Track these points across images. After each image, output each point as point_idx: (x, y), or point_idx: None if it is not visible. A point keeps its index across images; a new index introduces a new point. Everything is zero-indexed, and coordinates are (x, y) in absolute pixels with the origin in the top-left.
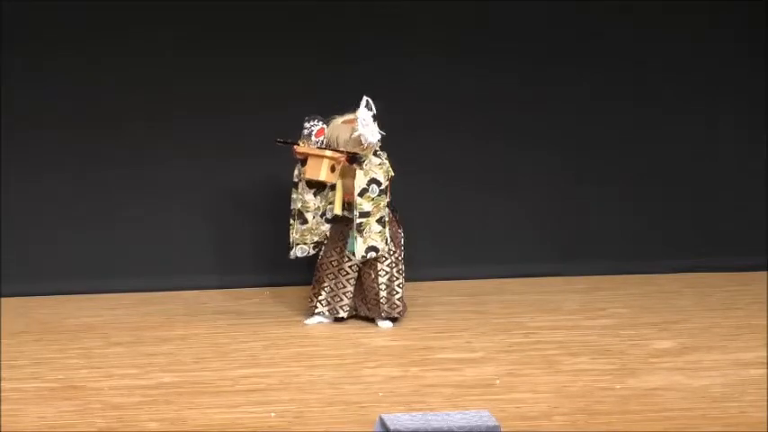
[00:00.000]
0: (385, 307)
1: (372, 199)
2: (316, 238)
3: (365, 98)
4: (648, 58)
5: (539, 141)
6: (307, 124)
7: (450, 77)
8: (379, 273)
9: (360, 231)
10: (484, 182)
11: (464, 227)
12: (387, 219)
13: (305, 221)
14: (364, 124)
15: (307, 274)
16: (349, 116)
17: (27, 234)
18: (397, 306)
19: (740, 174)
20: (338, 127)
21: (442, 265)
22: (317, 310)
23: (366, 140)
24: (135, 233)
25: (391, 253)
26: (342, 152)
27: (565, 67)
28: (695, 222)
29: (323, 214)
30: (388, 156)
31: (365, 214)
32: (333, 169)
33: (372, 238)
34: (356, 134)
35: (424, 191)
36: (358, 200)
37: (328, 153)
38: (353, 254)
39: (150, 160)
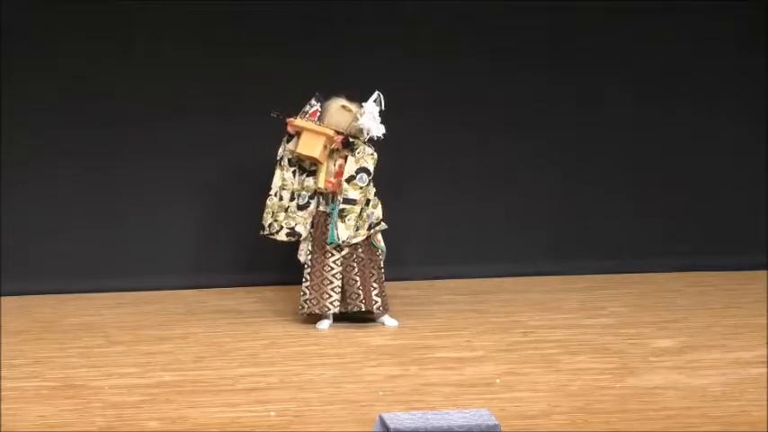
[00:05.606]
0: (363, 300)
1: (360, 188)
2: (292, 223)
3: (377, 93)
4: (648, 58)
5: (539, 141)
6: (311, 101)
7: (450, 77)
8: (362, 266)
9: (341, 217)
10: (484, 181)
11: (464, 226)
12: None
13: (281, 198)
14: (371, 118)
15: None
16: (348, 103)
17: (27, 234)
18: (376, 301)
19: (740, 173)
20: (337, 112)
21: (441, 264)
22: (302, 311)
23: (370, 133)
24: (135, 232)
25: (379, 253)
26: (341, 133)
27: (565, 67)
28: (695, 222)
29: (297, 198)
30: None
31: (350, 201)
32: (325, 148)
33: (354, 225)
34: (359, 124)
35: (424, 190)
36: (344, 185)
37: (329, 132)
38: (332, 243)
39: (150, 160)
